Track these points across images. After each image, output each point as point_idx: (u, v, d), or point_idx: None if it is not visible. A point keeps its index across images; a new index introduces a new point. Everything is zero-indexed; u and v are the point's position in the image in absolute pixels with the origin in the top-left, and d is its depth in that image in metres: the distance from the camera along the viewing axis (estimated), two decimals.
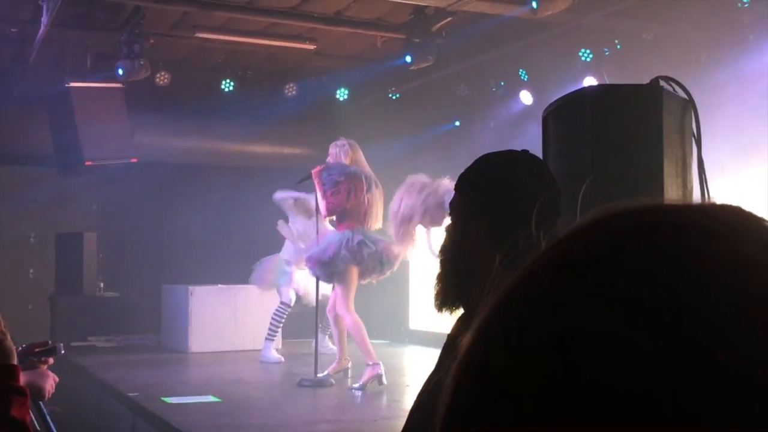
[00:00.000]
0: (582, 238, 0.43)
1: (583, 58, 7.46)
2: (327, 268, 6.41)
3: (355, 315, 6.46)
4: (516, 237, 1.29)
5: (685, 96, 2.77)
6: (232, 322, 8.82)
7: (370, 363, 6.38)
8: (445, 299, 1.75)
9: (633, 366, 0.38)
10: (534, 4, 6.43)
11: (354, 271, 6.44)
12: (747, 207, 0.43)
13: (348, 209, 6.49)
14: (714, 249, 0.40)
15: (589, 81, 7.18)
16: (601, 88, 3.75)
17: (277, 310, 8.07)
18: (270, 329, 8.05)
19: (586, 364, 0.38)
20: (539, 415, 0.39)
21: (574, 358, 0.39)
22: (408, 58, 7.74)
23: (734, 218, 0.42)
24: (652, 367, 0.37)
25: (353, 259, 6.36)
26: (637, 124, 2.62)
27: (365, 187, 6.48)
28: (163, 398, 5.84)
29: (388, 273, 6.59)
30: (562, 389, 0.38)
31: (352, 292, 6.50)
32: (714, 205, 0.43)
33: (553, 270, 0.43)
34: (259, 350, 8.07)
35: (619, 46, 7.22)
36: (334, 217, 6.63)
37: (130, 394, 6.04)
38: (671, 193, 2.53)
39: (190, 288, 8.88)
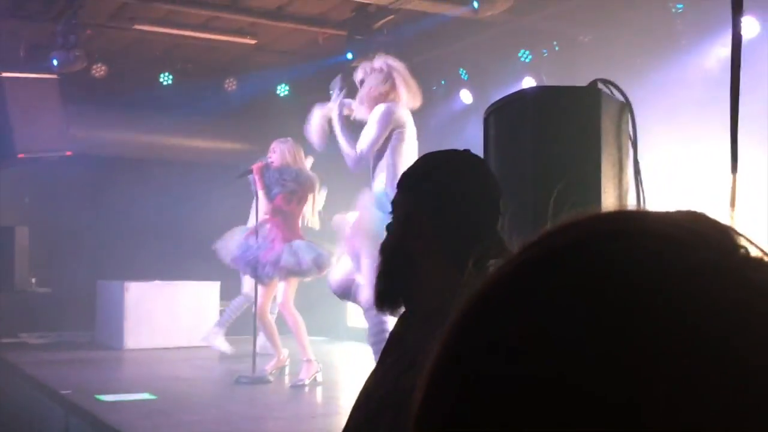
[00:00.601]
0: (553, 243, 0.43)
1: (522, 59, 7.55)
2: (295, 274, 6.46)
3: (296, 311, 6.55)
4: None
5: (622, 98, 2.83)
6: (168, 318, 8.69)
7: (307, 359, 6.40)
8: (386, 298, 1.76)
9: (596, 374, 0.38)
10: (475, 4, 6.49)
11: None
12: (712, 214, 0.43)
13: (295, 213, 6.58)
14: (678, 257, 0.40)
15: (528, 81, 7.28)
16: (541, 90, 3.80)
17: (237, 300, 7.83)
18: (223, 318, 7.85)
19: (558, 371, 0.38)
20: (508, 423, 0.39)
21: (546, 364, 0.39)
22: (349, 55, 7.73)
23: (699, 226, 0.42)
24: (618, 376, 0.37)
25: (316, 268, 6.44)
26: (576, 126, 2.67)
27: (315, 192, 6.62)
28: (96, 396, 5.73)
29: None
30: (536, 395, 0.38)
31: (294, 290, 6.60)
32: (681, 212, 0.43)
33: (521, 274, 0.43)
34: (197, 347, 7.95)
35: (557, 48, 7.33)
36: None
37: (62, 392, 5.91)
38: (608, 194, 2.59)
39: (126, 284, 8.73)
